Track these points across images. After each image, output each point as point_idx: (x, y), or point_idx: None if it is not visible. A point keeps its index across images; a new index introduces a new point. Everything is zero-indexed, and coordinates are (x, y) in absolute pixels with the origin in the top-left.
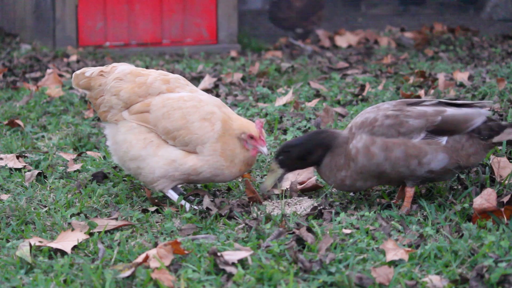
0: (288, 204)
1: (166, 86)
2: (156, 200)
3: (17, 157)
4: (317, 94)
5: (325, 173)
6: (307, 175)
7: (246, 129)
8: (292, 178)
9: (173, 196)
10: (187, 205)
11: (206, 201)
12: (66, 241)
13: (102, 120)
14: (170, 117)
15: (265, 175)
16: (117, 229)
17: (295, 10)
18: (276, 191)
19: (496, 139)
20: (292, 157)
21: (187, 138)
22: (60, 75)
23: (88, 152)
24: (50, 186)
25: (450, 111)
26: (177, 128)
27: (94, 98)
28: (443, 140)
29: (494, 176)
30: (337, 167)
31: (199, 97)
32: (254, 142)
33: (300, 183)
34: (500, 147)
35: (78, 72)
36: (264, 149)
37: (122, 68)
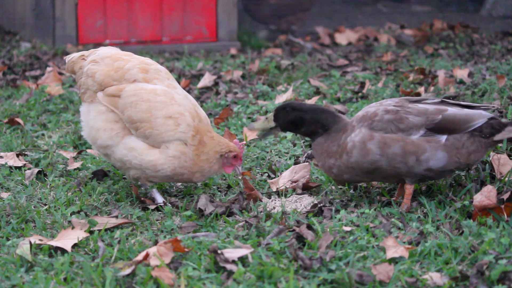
0: (288, 202)
1: (143, 76)
2: (142, 198)
3: (17, 155)
4: (317, 92)
5: (316, 152)
6: (302, 174)
7: (233, 149)
8: (289, 176)
9: (155, 195)
10: (159, 198)
11: (202, 201)
12: (66, 239)
13: (81, 101)
14: (136, 107)
15: (265, 172)
16: (117, 227)
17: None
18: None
19: (497, 137)
20: (287, 117)
21: (148, 132)
22: (60, 73)
23: (88, 150)
24: (50, 184)
25: (452, 110)
26: (140, 120)
27: (77, 81)
28: (443, 138)
29: (494, 173)
30: (328, 153)
31: (173, 95)
32: (234, 161)
33: (293, 182)
34: (500, 144)
35: (66, 56)
36: (240, 169)
37: (103, 51)
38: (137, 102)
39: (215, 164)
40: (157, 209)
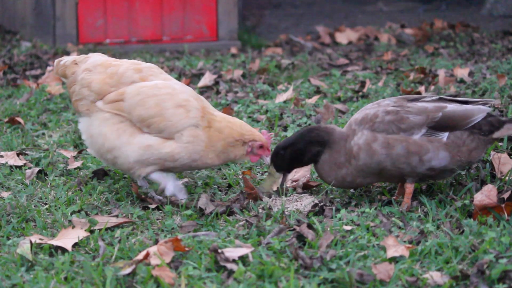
0: (288, 201)
1: (139, 75)
2: (143, 196)
3: (18, 155)
4: (318, 91)
5: (324, 170)
6: (303, 173)
7: (258, 138)
8: (290, 175)
9: (158, 179)
10: (158, 197)
11: (202, 200)
12: (66, 239)
13: (75, 110)
14: (144, 104)
15: (265, 171)
16: (117, 226)
17: None
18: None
19: (496, 134)
20: (286, 159)
21: (162, 125)
22: None
23: (89, 150)
24: (50, 184)
25: (451, 107)
26: (151, 116)
27: (69, 87)
28: (444, 136)
29: (494, 172)
30: (337, 165)
31: (173, 85)
32: (261, 151)
33: (293, 181)
34: (501, 143)
35: (57, 60)
36: (268, 159)
37: (94, 59)
38: (144, 99)
39: (235, 148)
40: (158, 208)
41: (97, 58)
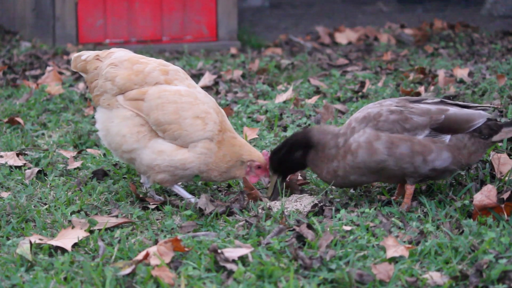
0: (288, 201)
1: (164, 77)
2: (140, 196)
3: (17, 155)
4: (317, 91)
5: (315, 165)
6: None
7: (256, 159)
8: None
9: (180, 191)
10: (193, 200)
11: (202, 200)
12: (66, 239)
13: (95, 104)
14: (163, 109)
15: None
16: (117, 226)
17: None
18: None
19: (495, 138)
20: (275, 163)
21: (177, 133)
22: (60, 73)
23: (88, 150)
24: (50, 184)
25: (453, 110)
26: (168, 122)
27: (89, 82)
28: (447, 138)
29: (494, 173)
30: (327, 158)
31: (195, 94)
32: (259, 172)
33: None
34: (500, 144)
35: (76, 54)
36: (267, 180)
37: (119, 54)
38: (164, 104)
39: (235, 168)
40: (157, 208)
41: (122, 53)
